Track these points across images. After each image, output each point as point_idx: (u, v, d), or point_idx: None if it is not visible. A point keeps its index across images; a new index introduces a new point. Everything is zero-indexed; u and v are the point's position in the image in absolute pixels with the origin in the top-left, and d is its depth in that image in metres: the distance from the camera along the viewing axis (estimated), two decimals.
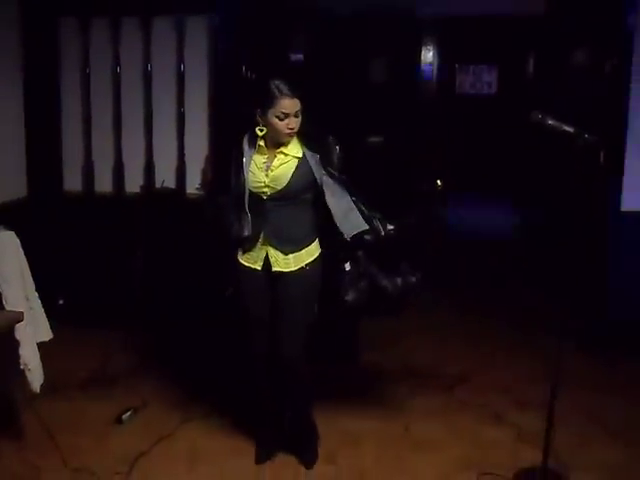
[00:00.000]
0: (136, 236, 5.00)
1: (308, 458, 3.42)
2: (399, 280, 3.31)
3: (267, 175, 3.12)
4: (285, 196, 3.13)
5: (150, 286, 5.01)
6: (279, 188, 3.12)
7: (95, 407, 3.93)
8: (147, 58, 4.97)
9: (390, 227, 3.23)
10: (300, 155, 3.14)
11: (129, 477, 3.23)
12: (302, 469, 3.38)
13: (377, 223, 3.21)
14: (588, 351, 4.73)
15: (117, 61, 4.99)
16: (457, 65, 6.02)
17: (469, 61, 5.99)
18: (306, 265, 3.21)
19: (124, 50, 4.99)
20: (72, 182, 5.19)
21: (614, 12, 4.71)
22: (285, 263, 3.21)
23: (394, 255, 3.33)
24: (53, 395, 3.87)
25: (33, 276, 3.58)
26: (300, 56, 5.23)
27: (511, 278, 6.22)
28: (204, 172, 5.01)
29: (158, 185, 5.08)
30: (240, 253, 3.27)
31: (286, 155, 3.14)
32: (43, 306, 3.64)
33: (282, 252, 3.20)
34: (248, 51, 5.11)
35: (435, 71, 5.89)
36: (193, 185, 4.97)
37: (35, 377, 3.44)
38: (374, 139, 5.42)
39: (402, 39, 5.57)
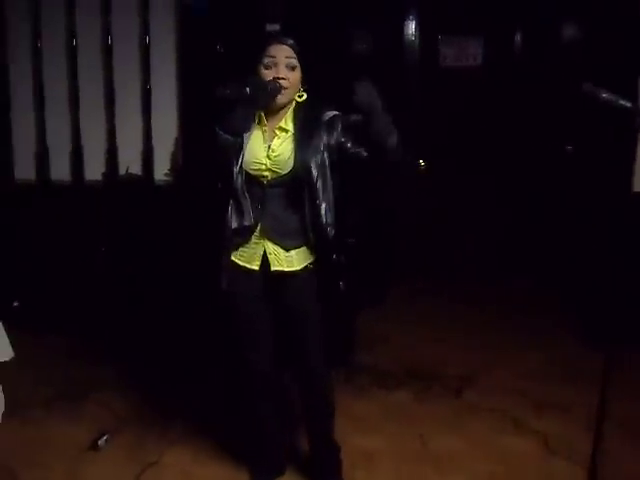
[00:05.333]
0: (98, 230, 4.63)
1: None
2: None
3: (269, 157, 2.65)
4: (288, 181, 2.65)
5: (116, 285, 4.57)
6: (282, 173, 2.64)
7: (64, 430, 3.42)
8: (107, 29, 4.53)
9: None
10: (290, 128, 2.65)
11: None
12: None
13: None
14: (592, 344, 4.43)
15: (72, 32, 4.55)
16: (440, 36, 5.59)
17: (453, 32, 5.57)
18: (310, 264, 2.74)
19: (80, 19, 4.55)
20: (24, 170, 4.74)
21: None
22: (287, 261, 2.72)
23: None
24: (10, 419, 3.31)
25: None
26: (277, 27, 4.76)
27: (503, 263, 5.89)
28: (174, 156, 4.63)
29: (122, 172, 4.66)
30: (233, 250, 2.77)
31: (286, 131, 2.66)
32: None
33: (283, 248, 2.72)
34: (220, 22, 4.63)
35: (417, 43, 5.54)
36: (162, 171, 4.62)
37: None
38: (354, 117, 4.98)
39: (385, 9, 5.19)
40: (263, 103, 2.59)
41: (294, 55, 2.59)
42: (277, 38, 2.60)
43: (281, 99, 2.60)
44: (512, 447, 3.35)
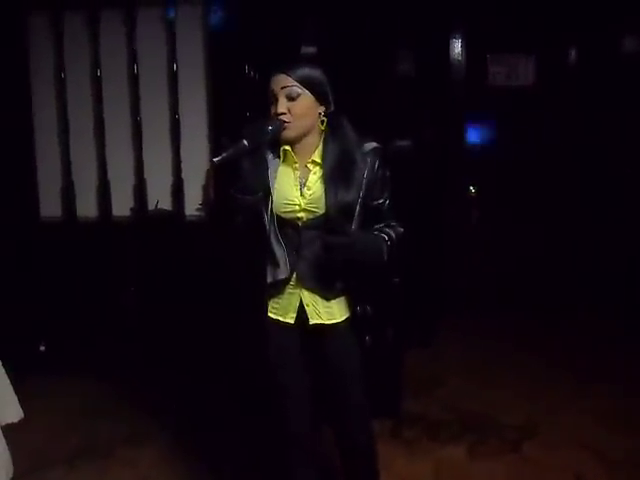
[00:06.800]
0: (127, 268, 4.45)
1: None
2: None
3: (303, 195, 2.35)
4: (326, 222, 2.35)
5: (146, 327, 4.38)
6: (319, 213, 2.34)
7: None
8: (133, 58, 4.40)
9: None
10: (319, 160, 2.36)
11: None
12: None
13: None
14: None
15: (97, 63, 4.43)
16: (489, 55, 5.37)
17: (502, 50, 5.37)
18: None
19: (105, 50, 4.43)
20: (50, 207, 4.58)
21: None
22: (327, 313, 2.41)
23: None
24: (31, 477, 3.13)
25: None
26: (313, 49, 4.54)
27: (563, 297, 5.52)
28: (205, 190, 4.42)
29: (151, 207, 4.49)
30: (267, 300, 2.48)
31: (320, 165, 2.36)
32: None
33: (323, 297, 2.41)
34: (251, 46, 4.42)
35: (464, 62, 5.35)
36: (193, 206, 4.42)
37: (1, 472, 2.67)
38: (401, 143, 4.74)
39: (429, 28, 4.96)
40: (271, 142, 2.32)
41: (293, 82, 2.28)
42: (276, 68, 2.32)
43: (288, 134, 2.31)
44: None
